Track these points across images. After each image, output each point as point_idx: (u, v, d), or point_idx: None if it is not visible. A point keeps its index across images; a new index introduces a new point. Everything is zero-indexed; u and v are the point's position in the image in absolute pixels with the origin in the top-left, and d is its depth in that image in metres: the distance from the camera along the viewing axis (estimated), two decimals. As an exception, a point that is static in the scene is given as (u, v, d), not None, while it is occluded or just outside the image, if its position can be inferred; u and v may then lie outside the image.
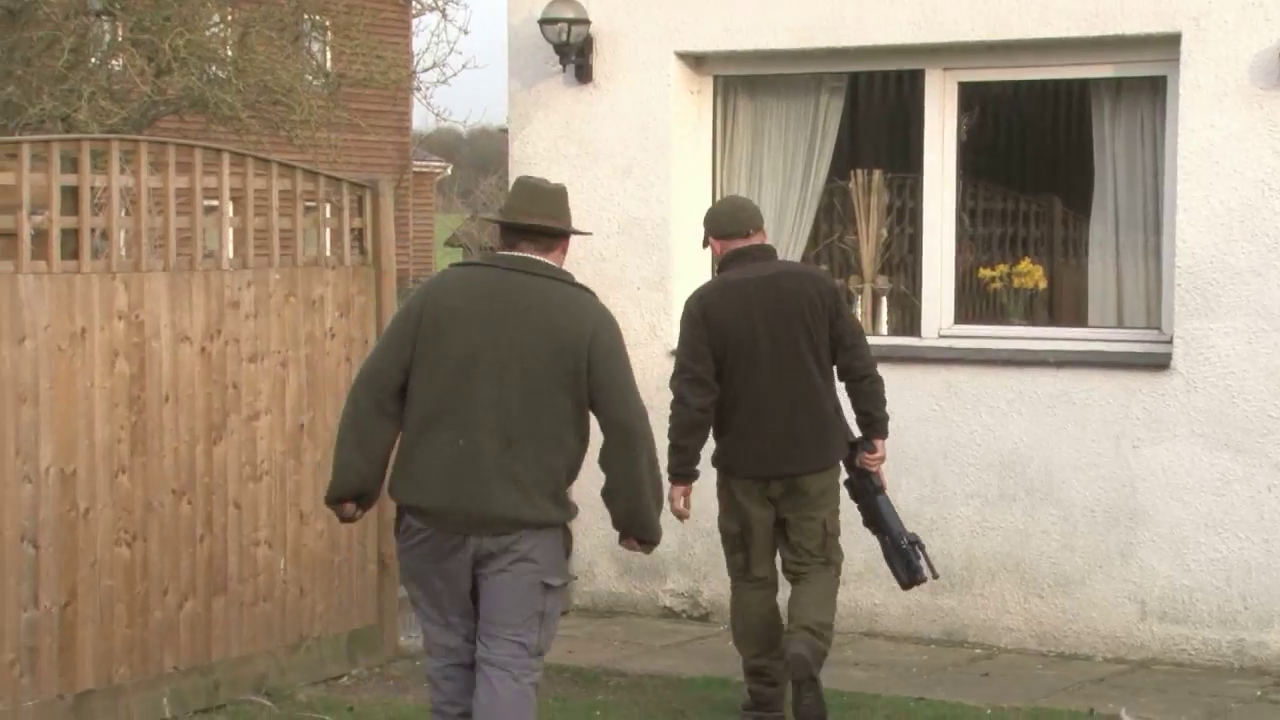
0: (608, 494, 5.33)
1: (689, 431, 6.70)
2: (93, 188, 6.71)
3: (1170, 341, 7.91)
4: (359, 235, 7.87)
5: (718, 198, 8.91)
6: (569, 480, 5.30)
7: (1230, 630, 7.77)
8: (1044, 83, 8.84)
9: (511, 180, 9.13)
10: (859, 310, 8.98)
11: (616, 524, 5.39)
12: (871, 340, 8.60)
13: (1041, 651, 8.07)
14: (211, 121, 16.74)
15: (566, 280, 5.36)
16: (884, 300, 8.95)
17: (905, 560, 6.75)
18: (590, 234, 5.99)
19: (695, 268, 8.86)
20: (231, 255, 7.26)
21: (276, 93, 16.77)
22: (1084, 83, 8.42)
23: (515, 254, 5.34)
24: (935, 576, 6.92)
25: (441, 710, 5.43)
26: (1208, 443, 7.78)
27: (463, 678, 5.35)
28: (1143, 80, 8.13)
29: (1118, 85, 8.22)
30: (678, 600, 8.83)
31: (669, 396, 8.70)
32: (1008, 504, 8.13)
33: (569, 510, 5.33)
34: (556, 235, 5.39)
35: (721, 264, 6.87)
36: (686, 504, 6.79)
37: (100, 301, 6.65)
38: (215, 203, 7.19)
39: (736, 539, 6.85)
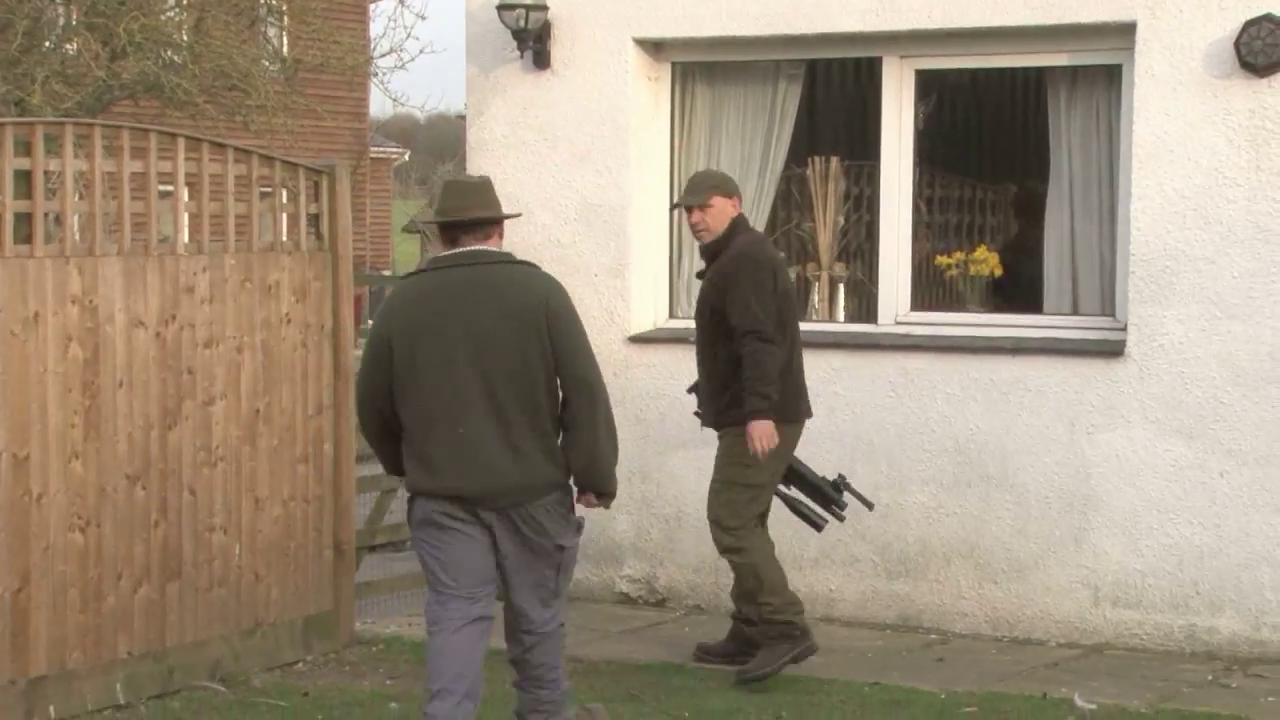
0: (568, 447, 5.76)
1: (777, 374, 7.12)
2: (46, 172, 6.67)
3: (1124, 329, 7.96)
4: (315, 221, 7.84)
5: (676, 184, 8.93)
6: (556, 436, 5.77)
7: (1182, 615, 7.84)
8: (1001, 71, 8.87)
9: (470, 166, 9.14)
10: (816, 297, 9.01)
11: (576, 479, 5.81)
12: (828, 327, 8.72)
13: (996, 636, 8.11)
14: (167, 106, 16.65)
15: (510, 260, 5.88)
16: (841, 287, 8.98)
17: (822, 496, 7.36)
18: (519, 215, 6.46)
19: (653, 254, 8.87)
20: (187, 240, 7.22)
21: (233, 78, 16.69)
22: (1040, 71, 8.46)
23: (460, 250, 5.83)
24: (869, 507, 7.47)
25: (443, 688, 5.70)
26: (1161, 429, 7.84)
27: (475, 642, 5.76)
28: (1098, 68, 8.18)
29: (1073, 73, 8.26)
30: (634, 586, 8.84)
31: (627, 382, 8.72)
32: (963, 490, 8.17)
33: (566, 467, 5.79)
34: (492, 223, 5.87)
35: (740, 223, 7.34)
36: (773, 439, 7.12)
37: (54, 286, 6.61)
38: (170, 187, 7.15)
39: (762, 490, 7.28)
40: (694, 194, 7.36)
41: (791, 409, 7.24)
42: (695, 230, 7.38)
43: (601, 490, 5.83)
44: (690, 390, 7.64)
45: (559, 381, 5.74)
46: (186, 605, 7.13)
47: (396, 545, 9.73)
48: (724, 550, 7.40)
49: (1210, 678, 7.41)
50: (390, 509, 8.81)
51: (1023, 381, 8.09)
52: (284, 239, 7.66)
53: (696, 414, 7.60)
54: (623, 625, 8.37)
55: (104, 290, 6.79)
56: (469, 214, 5.82)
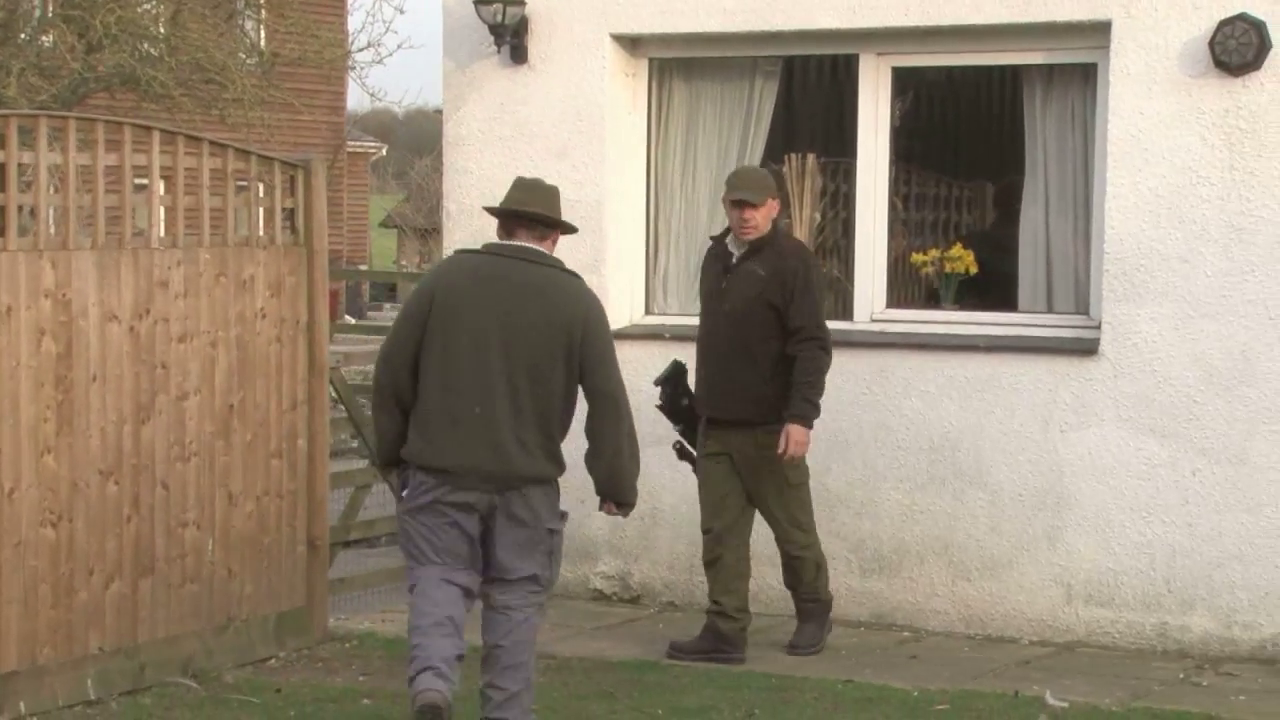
0: (592, 458, 6.04)
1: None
2: (20, 164, 6.63)
3: (1098, 327, 7.98)
4: (291, 215, 7.82)
5: (652, 181, 8.93)
6: (560, 440, 6.02)
7: (1154, 613, 7.86)
8: (977, 69, 8.89)
9: (446, 162, 9.13)
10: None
11: (598, 488, 6.09)
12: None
13: (969, 634, 8.13)
14: (143, 99, 16.60)
15: (559, 266, 6.08)
16: (817, 284, 8.96)
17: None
18: (577, 230, 6.39)
19: (630, 250, 8.87)
20: (161, 234, 7.20)
21: (209, 71, 16.65)
22: (1016, 69, 8.47)
23: (514, 243, 6.09)
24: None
25: (425, 626, 5.92)
26: (1134, 427, 7.86)
27: (458, 598, 5.98)
28: (1074, 67, 8.19)
29: (1049, 72, 8.28)
30: (608, 583, 8.84)
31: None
32: (937, 487, 8.18)
33: (562, 467, 6.05)
34: (549, 225, 6.12)
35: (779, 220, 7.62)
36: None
37: (27, 279, 6.58)
38: (145, 181, 7.12)
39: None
40: (755, 192, 7.44)
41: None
42: (743, 226, 7.46)
43: (622, 501, 6.10)
44: (662, 382, 7.63)
45: (586, 393, 5.98)
46: (159, 601, 7.11)
47: (371, 541, 9.73)
48: (800, 549, 7.59)
49: (1182, 676, 7.43)
50: (365, 505, 8.80)
51: (997, 379, 8.11)
52: (259, 233, 7.63)
53: (660, 407, 7.61)
54: (597, 622, 8.37)
55: (77, 284, 6.76)
56: (527, 208, 6.07)
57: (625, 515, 6.25)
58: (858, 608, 8.23)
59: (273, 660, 7.57)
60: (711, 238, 7.84)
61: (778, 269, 7.40)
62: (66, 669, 6.75)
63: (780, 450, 7.34)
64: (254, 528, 7.53)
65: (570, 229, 6.25)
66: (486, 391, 5.89)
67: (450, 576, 5.98)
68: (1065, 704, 6.84)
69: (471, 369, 5.91)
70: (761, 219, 7.46)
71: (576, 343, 5.93)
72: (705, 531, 7.66)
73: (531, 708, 6.15)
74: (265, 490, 7.58)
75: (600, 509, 6.17)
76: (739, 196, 7.46)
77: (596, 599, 8.81)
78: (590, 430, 6.01)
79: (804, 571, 7.67)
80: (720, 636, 7.58)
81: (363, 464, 8.92)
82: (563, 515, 6.11)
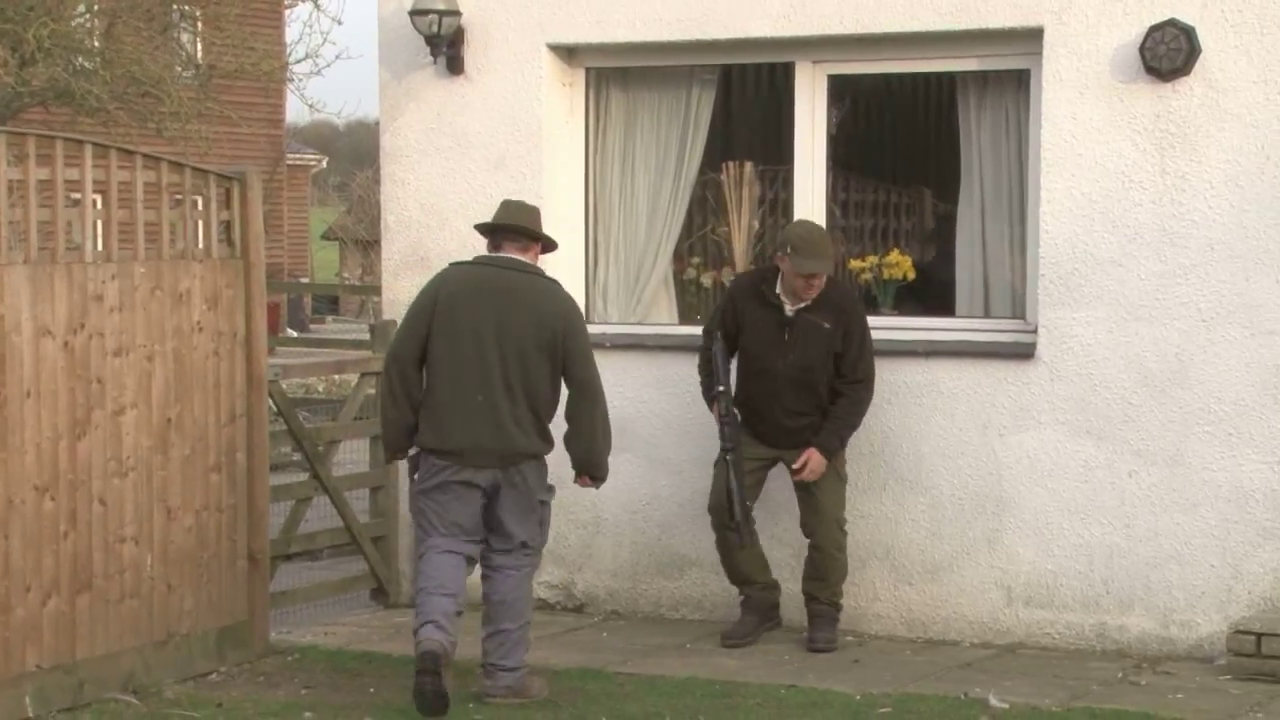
0: (572, 437, 7.06)
1: None
2: (-49, 179, 6.58)
3: (1035, 331, 8.04)
4: (227, 227, 7.79)
5: (591, 190, 8.94)
6: (548, 422, 7.03)
7: (1093, 614, 7.92)
8: (912, 76, 8.95)
9: (384, 173, 9.11)
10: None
11: (576, 464, 7.14)
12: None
13: (911, 637, 8.17)
14: (79, 113, 16.49)
15: (542, 274, 7.13)
16: (756, 292, 8.99)
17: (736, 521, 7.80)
18: (558, 245, 7.35)
19: (569, 260, 8.87)
20: (96, 248, 7.15)
21: (145, 84, 16.56)
22: (951, 76, 8.53)
23: (502, 255, 7.09)
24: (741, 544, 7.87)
25: (430, 588, 6.87)
26: (1071, 430, 7.93)
27: (459, 564, 6.96)
28: (1007, 73, 8.26)
29: (983, 78, 8.34)
30: (552, 592, 8.83)
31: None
32: (878, 492, 8.22)
33: (551, 444, 7.05)
34: (531, 238, 7.12)
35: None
36: None
37: (-41, 295, 6.52)
38: (79, 195, 7.08)
39: None
40: (827, 262, 7.76)
41: None
42: (809, 290, 7.76)
43: (595, 474, 7.16)
44: (718, 400, 7.87)
45: (566, 381, 7.00)
46: (97, 617, 7.06)
47: (312, 554, 9.67)
48: (838, 550, 7.94)
49: (1120, 675, 7.49)
50: (305, 518, 8.75)
51: (936, 384, 8.15)
52: (196, 246, 7.59)
53: (725, 428, 7.86)
54: (540, 631, 8.31)
55: (10, 299, 6.70)
56: (512, 222, 7.10)
57: (597, 488, 7.27)
58: (800, 612, 8.24)
59: (214, 675, 7.52)
60: (741, 275, 8.15)
61: (839, 321, 7.82)
62: (4, 686, 6.69)
63: (797, 468, 7.83)
64: (193, 542, 7.49)
65: (551, 243, 7.19)
66: (487, 382, 6.89)
67: (453, 547, 6.95)
68: (1006, 705, 6.88)
69: (473, 364, 6.89)
70: (825, 281, 7.78)
71: (559, 338, 6.94)
72: (732, 522, 7.81)
73: (530, 639, 7.15)
74: (204, 504, 7.54)
75: (575, 482, 7.19)
76: (814, 269, 7.70)
77: (540, 608, 8.76)
78: (570, 414, 7.02)
79: (835, 573, 7.93)
80: (768, 607, 8.06)
81: (303, 477, 8.87)
82: (550, 488, 7.09)
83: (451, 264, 7.24)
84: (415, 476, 7.05)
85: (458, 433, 6.89)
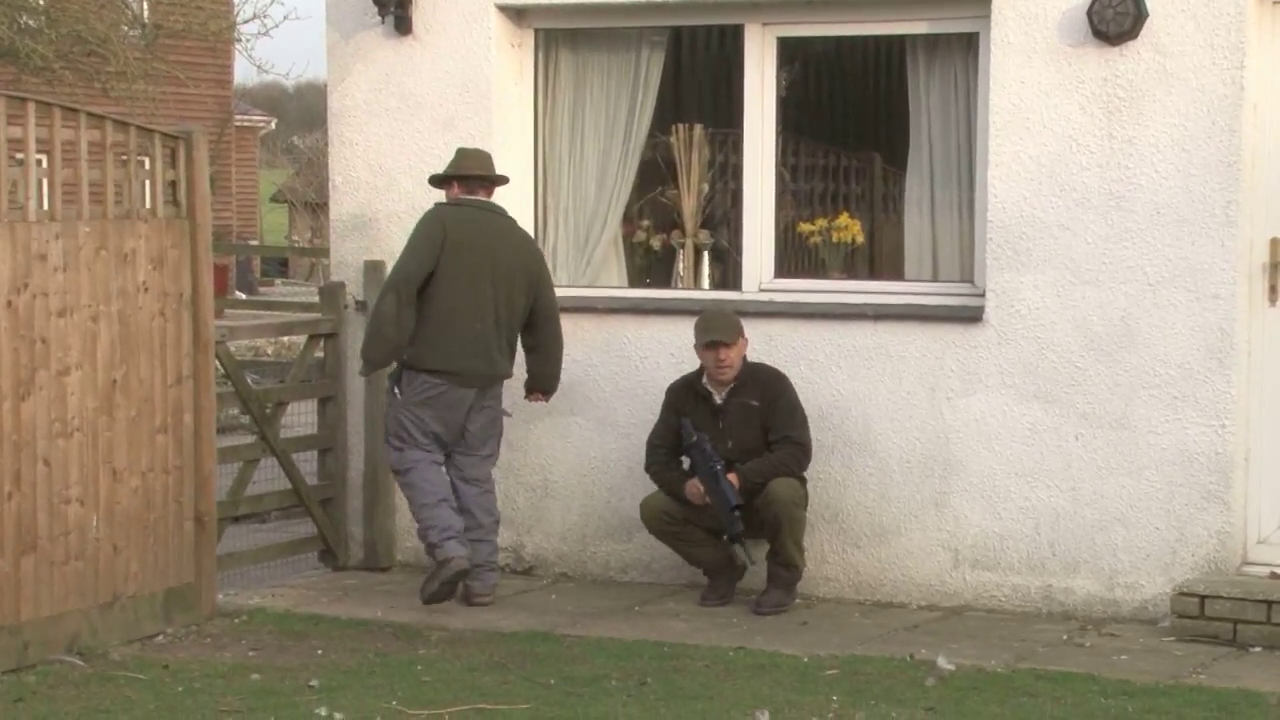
0: (540, 360, 8.14)
1: None
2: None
3: (983, 295, 8.07)
4: (173, 187, 7.72)
5: (540, 153, 8.90)
6: (514, 349, 8.09)
7: (1039, 576, 7.98)
8: (862, 39, 8.93)
9: (331, 133, 9.05)
10: (680, 265, 9.04)
11: (536, 383, 8.16)
12: (693, 294, 8.75)
13: (859, 600, 8.21)
14: (23, 72, 16.30)
15: (513, 219, 8.15)
16: (705, 255, 9.00)
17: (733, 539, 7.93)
18: (508, 180, 8.23)
19: (518, 222, 8.83)
20: (40, 207, 7.07)
21: (91, 43, 16.38)
22: (900, 39, 8.53)
23: (483, 199, 8.05)
24: (750, 564, 8.00)
25: (434, 501, 7.85)
26: (1018, 394, 7.97)
27: (445, 476, 8.03)
28: (956, 37, 8.26)
29: (932, 41, 8.35)
30: (501, 555, 8.79)
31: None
32: (826, 455, 8.24)
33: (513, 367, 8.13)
34: (494, 184, 8.08)
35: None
36: None
37: (-101, 254, 6.45)
38: (23, 155, 7.00)
39: None
40: (728, 332, 7.89)
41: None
42: (719, 366, 7.91)
43: (550, 389, 8.18)
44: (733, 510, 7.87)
45: (536, 313, 8.05)
46: (42, 578, 7.01)
47: (260, 516, 9.64)
48: (795, 505, 7.93)
49: (1065, 637, 7.55)
50: (253, 480, 8.72)
51: (884, 348, 8.18)
52: (141, 206, 7.53)
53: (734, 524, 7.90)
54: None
55: (-48, 258, 6.64)
56: (488, 172, 8.02)
57: (547, 400, 8.19)
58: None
59: (160, 637, 7.49)
60: (680, 380, 8.14)
61: (765, 395, 7.95)
62: (-53, 650, 6.64)
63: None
64: (139, 504, 7.45)
65: (504, 180, 8.14)
66: (483, 313, 7.88)
67: (436, 459, 7.93)
68: (952, 667, 6.92)
69: (473, 295, 7.86)
70: (735, 357, 7.91)
71: (535, 278, 8.04)
72: (730, 541, 7.98)
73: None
74: (150, 466, 7.50)
75: (528, 397, 8.17)
76: (714, 338, 7.88)
77: (488, 571, 8.79)
78: (538, 341, 8.10)
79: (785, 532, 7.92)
80: (730, 565, 8.10)
81: (250, 439, 8.83)
82: (505, 411, 8.17)
83: (440, 204, 8.01)
84: (398, 391, 7.91)
85: (460, 357, 7.84)
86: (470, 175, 7.96)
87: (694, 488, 7.90)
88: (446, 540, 7.79)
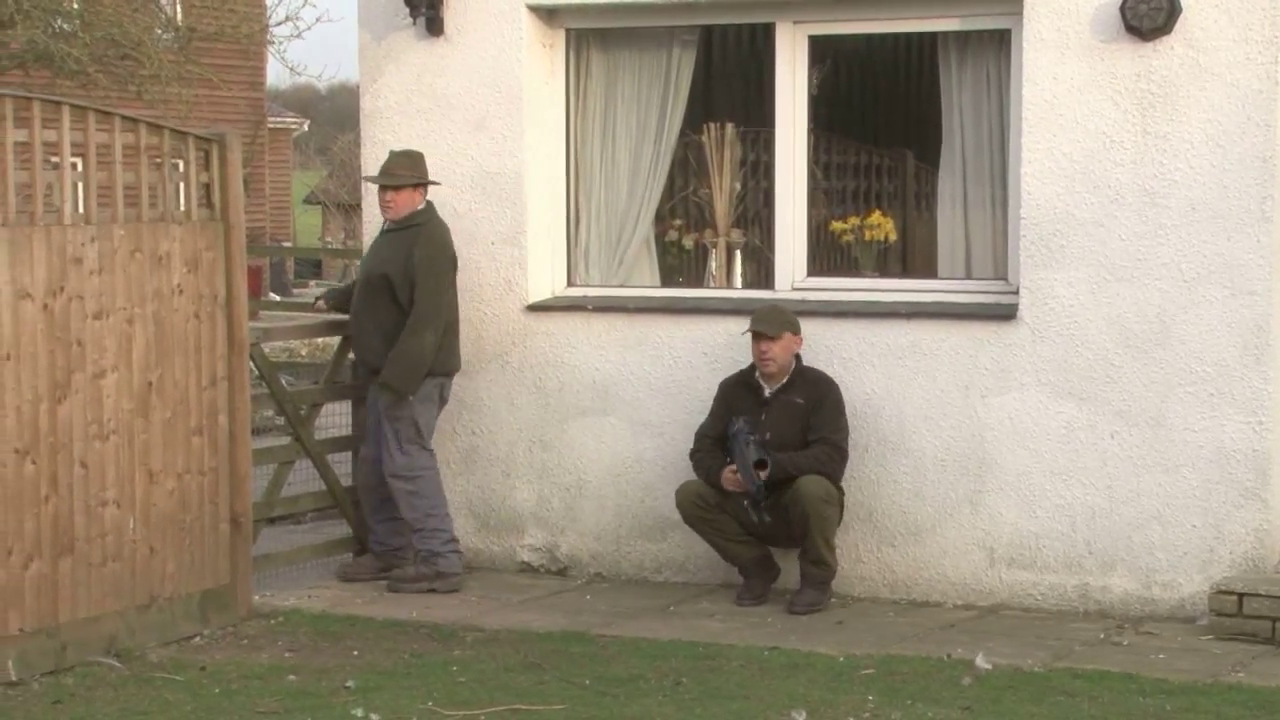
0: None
1: None
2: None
3: (1016, 292, 8.04)
4: (207, 190, 7.75)
5: (572, 152, 8.91)
6: None
7: (1075, 575, 7.94)
8: (894, 36, 8.92)
9: (364, 134, 9.07)
10: (713, 264, 9.04)
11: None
12: (726, 294, 8.75)
13: (894, 599, 8.19)
14: (58, 76, 16.38)
15: None
16: (738, 254, 9.00)
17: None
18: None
19: (550, 222, 8.85)
20: (75, 210, 7.11)
21: (125, 46, 16.45)
22: (932, 36, 8.50)
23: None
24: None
25: (444, 511, 8.47)
26: (1053, 391, 7.93)
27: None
28: (989, 33, 8.23)
29: (964, 38, 8.32)
30: (535, 555, 8.83)
31: (525, 351, 8.74)
32: (860, 454, 8.22)
33: None
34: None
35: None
36: None
37: (-64, 258, 6.49)
38: (58, 158, 7.04)
39: None
40: (771, 325, 7.96)
41: None
42: (761, 358, 8.00)
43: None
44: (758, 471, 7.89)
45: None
46: (79, 580, 7.05)
47: (295, 518, 9.67)
48: (824, 502, 7.92)
49: (1102, 636, 7.52)
50: (289, 481, 8.74)
51: (918, 346, 8.15)
52: (176, 209, 7.56)
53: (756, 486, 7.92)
54: (524, 594, 8.37)
55: (-11, 262, 6.68)
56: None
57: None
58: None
59: (197, 638, 7.52)
60: (735, 374, 8.19)
61: (812, 396, 8.00)
62: (-14, 651, 6.68)
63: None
64: (175, 505, 7.48)
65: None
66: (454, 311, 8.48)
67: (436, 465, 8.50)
68: (989, 666, 6.90)
69: (454, 294, 8.43)
70: (778, 351, 7.94)
71: None
72: (750, 499, 7.98)
73: None
74: (186, 468, 7.53)
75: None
76: (756, 329, 7.95)
77: (524, 571, 8.81)
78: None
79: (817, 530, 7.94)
80: (767, 564, 8.12)
81: (286, 440, 8.86)
82: None
83: (435, 217, 8.42)
84: (413, 396, 8.24)
85: (456, 355, 8.45)
86: (430, 181, 8.41)
87: (730, 474, 7.90)
88: (451, 553, 8.34)
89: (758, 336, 7.97)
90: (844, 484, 8.12)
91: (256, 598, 8.04)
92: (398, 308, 8.25)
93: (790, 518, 7.87)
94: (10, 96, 6.96)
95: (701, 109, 9.01)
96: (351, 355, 8.74)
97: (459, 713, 6.36)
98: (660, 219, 9.06)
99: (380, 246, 8.46)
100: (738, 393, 8.11)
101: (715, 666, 7.00)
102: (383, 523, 8.58)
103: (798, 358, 8.08)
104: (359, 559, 8.75)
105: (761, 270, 8.85)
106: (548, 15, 8.78)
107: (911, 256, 8.95)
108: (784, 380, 8.03)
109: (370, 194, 8.94)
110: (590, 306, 8.65)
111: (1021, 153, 7.93)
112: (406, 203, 8.35)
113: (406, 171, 8.35)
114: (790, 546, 8.02)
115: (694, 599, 8.22)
